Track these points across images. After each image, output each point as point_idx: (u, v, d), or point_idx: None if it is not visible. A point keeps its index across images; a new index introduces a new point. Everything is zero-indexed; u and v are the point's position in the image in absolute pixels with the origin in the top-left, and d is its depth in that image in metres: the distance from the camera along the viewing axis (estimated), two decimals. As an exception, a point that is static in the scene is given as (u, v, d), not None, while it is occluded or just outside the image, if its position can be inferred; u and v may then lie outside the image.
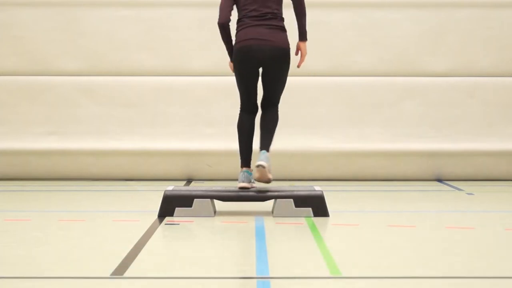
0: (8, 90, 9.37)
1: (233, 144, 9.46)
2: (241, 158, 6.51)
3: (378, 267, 4.57)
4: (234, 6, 6.45)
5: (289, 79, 9.37)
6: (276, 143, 9.40)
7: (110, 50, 9.37)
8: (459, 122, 9.39)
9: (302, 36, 6.50)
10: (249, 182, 6.37)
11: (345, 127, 9.38)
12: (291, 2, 6.41)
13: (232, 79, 9.31)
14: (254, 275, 4.37)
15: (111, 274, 4.35)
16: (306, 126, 9.40)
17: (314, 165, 9.31)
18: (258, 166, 6.21)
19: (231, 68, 6.60)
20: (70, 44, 9.36)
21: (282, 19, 6.41)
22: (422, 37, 9.40)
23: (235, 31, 6.47)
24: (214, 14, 9.34)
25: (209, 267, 4.59)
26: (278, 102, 6.66)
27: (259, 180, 6.28)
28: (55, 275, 4.39)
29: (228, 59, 6.60)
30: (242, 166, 6.47)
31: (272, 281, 4.23)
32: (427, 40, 9.40)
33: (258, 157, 6.27)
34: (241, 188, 6.37)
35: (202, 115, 9.40)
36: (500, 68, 9.42)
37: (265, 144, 6.41)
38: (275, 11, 6.36)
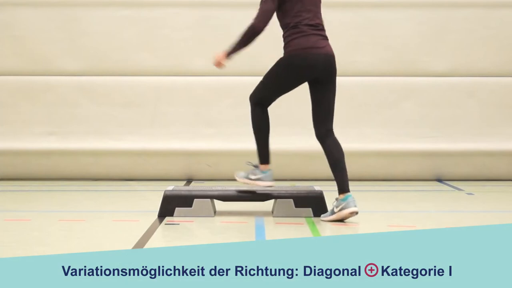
0: (8, 90, 9.37)
1: (233, 144, 9.50)
2: (265, 156, 6.30)
3: (378, 267, 4.57)
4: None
5: (289, 79, 9.44)
6: (277, 142, 9.43)
7: (110, 50, 9.37)
8: (459, 122, 9.40)
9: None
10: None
11: (345, 127, 9.37)
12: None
13: (232, 79, 9.37)
14: (254, 275, 4.37)
15: (111, 274, 4.35)
16: (306, 126, 9.37)
17: (314, 165, 9.31)
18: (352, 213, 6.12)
19: (220, 59, 6.27)
20: (70, 44, 9.36)
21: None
22: (422, 37, 9.40)
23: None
24: (214, 14, 9.41)
25: (209, 267, 4.59)
26: (331, 124, 6.42)
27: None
28: (55, 275, 4.38)
29: (224, 52, 6.30)
30: (266, 163, 6.30)
31: (272, 281, 4.22)
32: (427, 40, 9.40)
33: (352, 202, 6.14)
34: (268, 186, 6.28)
35: (202, 115, 9.40)
36: (500, 68, 9.42)
37: (347, 183, 6.40)
38: (321, 22, 6.28)
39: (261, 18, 6.09)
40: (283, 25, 6.23)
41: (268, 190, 6.43)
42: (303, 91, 9.42)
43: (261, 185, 6.32)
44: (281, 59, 6.23)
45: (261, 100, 6.33)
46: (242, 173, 6.40)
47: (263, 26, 6.11)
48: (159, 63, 9.39)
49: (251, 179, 6.32)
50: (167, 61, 9.37)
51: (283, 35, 6.23)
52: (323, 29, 6.26)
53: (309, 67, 6.17)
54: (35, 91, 9.38)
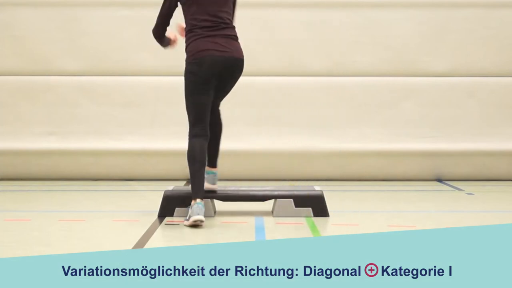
0: (8, 90, 9.37)
1: (233, 144, 9.50)
2: (193, 189, 5.99)
3: (378, 267, 4.57)
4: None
5: (289, 79, 9.46)
6: (276, 143, 9.44)
7: (110, 50, 9.37)
8: (459, 122, 9.40)
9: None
10: (203, 215, 5.90)
11: (345, 127, 9.38)
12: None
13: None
14: (254, 275, 4.37)
15: (111, 274, 4.35)
16: (306, 126, 9.40)
17: (314, 165, 9.31)
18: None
19: (173, 39, 6.31)
20: (70, 44, 9.36)
21: (234, 28, 6.14)
22: (422, 37, 9.40)
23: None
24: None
25: (209, 267, 4.59)
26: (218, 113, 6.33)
27: None
28: (55, 275, 4.38)
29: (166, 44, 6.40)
30: (195, 198, 5.94)
31: (272, 281, 4.22)
32: (427, 40, 9.40)
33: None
34: (195, 221, 5.82)
35: (202, 115, 9.38)
36: (500, 68, 9.42)
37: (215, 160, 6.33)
38: (227, 20, 6.09)
39: (156, 23, 6.37)
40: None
41: (266, 190, 6.43)
42: (302, 92, 9.44)
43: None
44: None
45: (194, 125, 6.32)
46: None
47: (157, 34, 6.31)
48: (159, 63, 9.39)
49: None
50: (167, 61, 9.37)
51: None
52: (226, 27, 6.07)
53: (200, 72, 6.15)
54: (35, 91, 9.38)
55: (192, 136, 6.19)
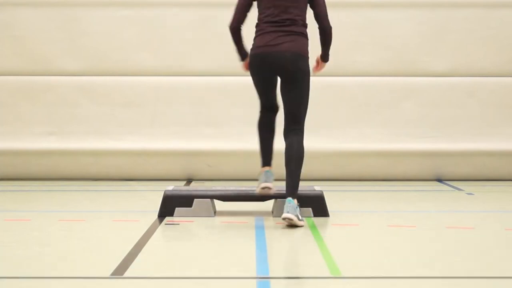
0: (8, 90, 9.37)
1: (233, 144, 9.49)
2: (262, 158, 6.32)
3: (378, 267, 4.57)
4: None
5: (289, 79, 9.44)
6: (276, 142, 9.43)
7: (110, 50, 9.37)
8: (459, 122, 9.39)
9: (324, 58, 6.32)
10: (271, 182, 6.19)
11: (345, 127, 9.37)
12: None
13: (232, 79, 9.37)
14: (254, 275, 4.37)
15: (111, 274, 4.35)
16: (306, 126, 9.37)
17: (314, 165, 9.31)
18: (284, 219, 5.84)
19: (245, 68, 6.31)
20: (70, 44, 9.36)
21: (303, 25, 6.13)
22: (422, 37, 9.39)
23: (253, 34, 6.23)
24: (214, 14, 9.40)
25: (209, 267, 4.59)
26: (300, 123, 6.37)
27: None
28: (55, 275, 4.39)
29: (240, 60, 6.33)
30: (263, 166, 6.29)
31: (272, 281, 4.23)
32: (427, 40, 9.39)
33: (284, 208, 5.91)
34: (263, 188, 6.13)
35: (202, 115, 9.39)
36: (500, 68, 9.42)
37: (289, 189, 6.03)
38: (296, 17, 6.08)
39: (232, 17, 6.18)
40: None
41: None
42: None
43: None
44: None
45: (260, 106, 6.44)
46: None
47: (232, 25, 6.16)
48: (159, 63, 9.38)
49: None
50: (167, 61, 9.37)
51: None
52: (292, 24, 6.08)
53: (257, 67, 6.15)
54: (35, 91, 9.38)
55: (260, 111, 6.49)
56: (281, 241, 5.47)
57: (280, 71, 6.11)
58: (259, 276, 4.34)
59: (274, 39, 6.05)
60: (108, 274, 4.36)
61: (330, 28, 6.25)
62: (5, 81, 9.37)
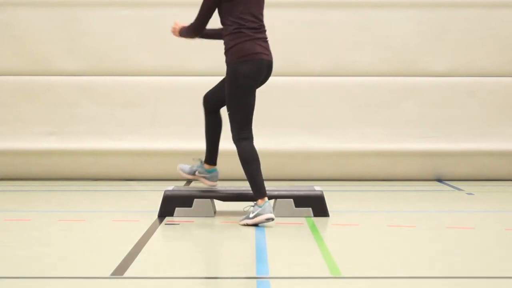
0: (8, 90, 9.37)
1: (233, 144, 9.47)
2: (262, 189, 5.98)
3: (378, 267, 4.57)
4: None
5: (289, 79, 9.46)
6: (276, 142, 9.44)
7: (110, 50, 9.37)
8: (459, 122, 9.39)
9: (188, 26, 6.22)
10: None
11: (345, 127, 9.37)
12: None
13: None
14: (254, 275, 4.37)
15: (111, 274, 4.35)
16: (306, 126, 9.39)
17: (314, 165, 9.31)
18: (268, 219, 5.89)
19: (175, 32, 6.27)
20: (70, 44, 9.35)
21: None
22: (422, 37, 9.39)
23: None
24: (214, 14, 9.38)
25: (209, 267, 4.59)
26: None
27: None
28: (55, 275, 4.39)
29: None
30: (263, 197, 5.95)
31: (272, 281, 4.23)
32: (427, 40, 9.39)
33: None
34: (267, 219, 5.88)
35: (202, 115, 9.37)
36: (500, 68, 9.42)
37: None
38: (264, 23, 6.10)
39: (198, 21, 6.19)
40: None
41: (266, 190, 6.43)
42: (302, 92, 9.44)
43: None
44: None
45: (244, 133, 6.19)
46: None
47: (199, 31, 6.20)
48: (159, 63, 9.38)
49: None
50: (167, 61, 9.36)
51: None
52: (264, 31, 6.10)
53: (255, 75, 6.06)
54: (35, 91, 9.38)
55: (242, 139, 6.09)
56: (281, 241, 5.47)
57: (265, 78, 6.14)
58: (259, 276, 4.34)
59: (265, 47, 6.06)
60: (108, 274, 4.36)
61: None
62: (5, 81, 9.37)
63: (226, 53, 6.07)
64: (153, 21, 9.40)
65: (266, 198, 5.97)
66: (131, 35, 9.38)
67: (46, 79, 9.38)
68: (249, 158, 6.03)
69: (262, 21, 6.08)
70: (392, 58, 9.39)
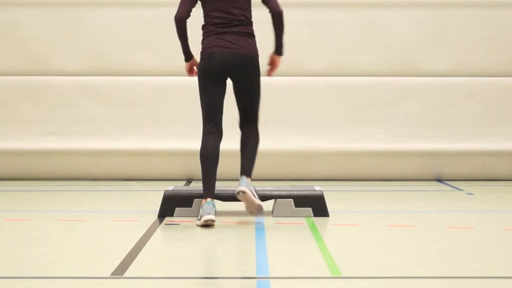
0: (8, 90, 9.37)
1: (233, 144, 9.47)
2: (204, 188, 6.00)
3: (378, 267, 4.57)
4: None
5: (290, 79, 9.45)
6: (276, 143, 9.44)
7: (110, 50, 9.37)
8: (459, 122, 9.39)
9: (278, 50, 6.18)
10: (214, 214, 5.92)
11: (345, 127, 9.37)
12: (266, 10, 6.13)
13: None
14: (254, 275, 4.37)
15: (111, 274, 4.35)
16: (306, 126, 9.39)
17: (314, 165, 9.31)
18: (238, 193, 5.88)
19: (187, 71, 6.34)
20: (70, 44, 9.36)
21: (250, 24, 6.11)
22: (422, 37, 9.39)
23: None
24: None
25: (209, 267, 4.59)
26: (256, 119, 6.28)
27: (249, 211, 5.92)
28: (55, 275, 4.39)
29: (184, 60, 6.37)
30: (205, 197, 5.97)
31: (272, 281, 4.23)
32: (427, 40, 9.39)
33: (239, 183, 5.97)
34: (206, 221, 5.81)
35: (202, 115, 9.38)
36: (500, 68, 9.42)
37: (246, 169, 6.03)
38: (242, 17, 6.07)
39: (178, 9, 6.21)
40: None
41: (266, 190, 6.44)
42: (302, 92, 9.44)
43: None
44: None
45: (204, 127, 6.23)
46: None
47: (177, 16, 6.17)
48: (159, 63, 9.38)
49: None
50: (167, 61, 9.36)
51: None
52: (238, 24, 6.07)
53: (207, 69, 6.15)
54: (35, 91, 9.38)
55: (204, 133, 6.16)
56: (281, 241, 5.47)
57: (231, 72, 6.23)
58: (259, 276, 4.34)
59: (227, 40, 6.11)
60: (108, 274, 4.36)
61: (282, 12, 6.09)
62: (5, 81, 9.37)
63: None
64: (153, 21, 9.40)
65: (208, 199, 5.95)
66: (131, 35, 9.38)
67: (46, 79, 9.38)
68: (200, 153, 6.09)
69: (234, 15, 6.05)
70: (392, 58, 9.39)
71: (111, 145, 9.33)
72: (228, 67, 6.08)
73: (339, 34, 9.35)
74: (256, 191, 6.03)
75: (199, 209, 6.16)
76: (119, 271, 4.43)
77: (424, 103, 9.40)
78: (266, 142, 9.25)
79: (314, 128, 9.38)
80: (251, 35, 6.12)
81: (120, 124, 9.37)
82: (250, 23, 6.14)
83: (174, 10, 9.37)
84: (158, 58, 9.37)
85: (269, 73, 6.27)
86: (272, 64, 6.23)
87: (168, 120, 9.38)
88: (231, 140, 9.33)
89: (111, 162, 9.34)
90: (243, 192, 5.89)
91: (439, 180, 9.38)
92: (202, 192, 6.19)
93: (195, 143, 9.30)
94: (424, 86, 9.42)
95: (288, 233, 5.78)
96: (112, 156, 9.33)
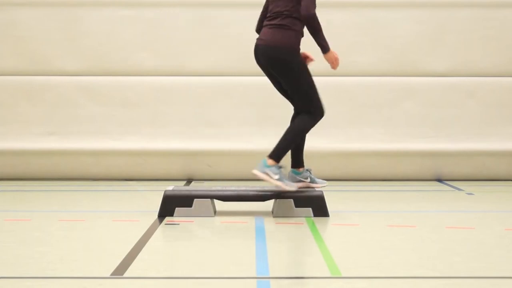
0: (8, 90, 9.37)
1: (233, 144, 9.49)
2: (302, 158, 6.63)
3: (378, 267, 4.57)
4: None
5: (289, 79, 9.43)
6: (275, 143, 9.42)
7: (110, 50, 9.37)
8: (459, 122, 9.39)
9: (322, 49, 6.49)
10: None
11: (345, 127, 9.37)
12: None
13: (233, 79, 9.38)
14: (254, 275, 4.37)
15: (111, 274, 4.35)
16: (306, 126, 9.37)
17: (314, 165, 9.29)
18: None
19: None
20: (70, 44, 9.36)
21: (287, 17, 6.25)
22: (422, 37, 9.40)
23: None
24: (214, 14, 9.41)
25: (209, 267, 4.59)
26: (305, 108, 6.59)
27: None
28: (55, 275, 4.39)
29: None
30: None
31: (272, 281, 4.23)
32: (427, 40, 9.39)
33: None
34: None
35: (202, 115, 9.39)
36: (500, 68, 9.42)
37: (272, 151, 6.37)
38: (283, 10, 6.26)
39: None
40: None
41: (267, 190, 6.44)
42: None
43: (318, 187, 6.56)
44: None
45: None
46: (289, 182, 6.39)
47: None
48: (159, 63, 9.38)
49: (305, 183, 6.54)
50: (167, 61, 9.37)
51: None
52: (276, 17, 6.30)
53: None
54: (34, 91, 9.38)
55: (322, 114, 6.84)
56: (281, 241, 5.47)
57: (264, 65, 6.51)
58: (259, 276, 4.34)
59: (262, 33, 6.49)
60: (108, 274, 4.36)
61: (310, 15, 6.30)
62: (5, 81, 9.37)
63: None
64: (153, 21, 9.40)
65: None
66: (131, 35, 9.38)
67: (46, 79, 9.38)
68: (308, 130, 6.80)
69: (274, 12, 6.29)
70: (392, 58, 9.39)
71: (111, 145, 9.33)
72: (258, 60, 6.41)
73: (339, 34, 9.35)
74: (281, 172, 6.28)
75: (199, 209, 6.19)
76: (119, 271, 4.43)
77: (424, 103, 9.41)
78: (266, 142, 9.26)
79: (314, 128, 9.36)
80: (284, 26, 6.29)
81: (120, 124, 9.37)
82: (289, 16, 6.28)
83: (174, 10, 9.44)
84: (158, 58, 9.37)
85: (334, 67, 6.66)
86: (329, 62, 6.60)
87: (168, 120, 9.38)
88: (231, 140, 9.37)
89: (111, 162, 9.34)
90: (254, 174, 6.25)
91: (439, 180, 9.38)
92: (203, 191, 6.21)
93: (195, 143, 9.36)
94: (424, 86, 9.42)
95: (288, 233, 5.78)
96: (112, 156, 9.33)
